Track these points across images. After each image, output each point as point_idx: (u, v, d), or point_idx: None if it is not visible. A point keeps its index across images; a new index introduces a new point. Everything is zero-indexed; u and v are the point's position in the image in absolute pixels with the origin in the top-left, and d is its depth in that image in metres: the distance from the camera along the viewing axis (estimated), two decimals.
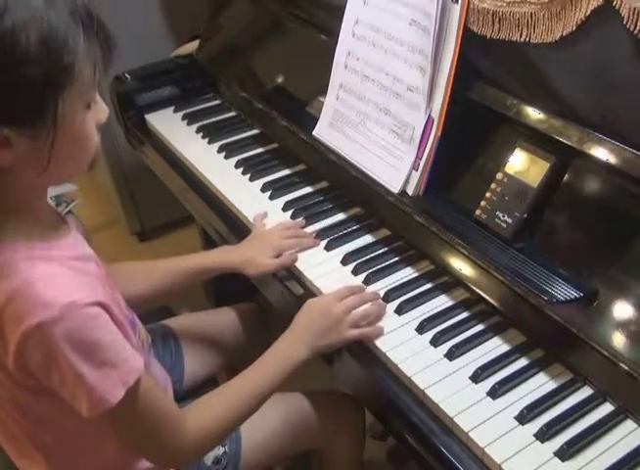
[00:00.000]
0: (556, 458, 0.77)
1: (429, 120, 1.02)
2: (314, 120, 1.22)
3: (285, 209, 1.22)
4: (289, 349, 0.92)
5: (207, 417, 0.83)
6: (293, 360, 0.91)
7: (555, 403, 0.83)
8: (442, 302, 0.99)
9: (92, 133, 0.72)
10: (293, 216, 1.20)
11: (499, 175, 0.95)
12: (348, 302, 0.96)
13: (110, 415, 0.72)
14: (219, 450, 0.99)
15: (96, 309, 0.70)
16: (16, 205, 0.72)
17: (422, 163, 1.03)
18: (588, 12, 0.82)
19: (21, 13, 0.61)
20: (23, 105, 0.64)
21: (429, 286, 1.02)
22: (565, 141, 0.88)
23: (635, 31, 0.78)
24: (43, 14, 0.62)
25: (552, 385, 0.86)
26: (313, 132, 1.22)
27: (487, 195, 0.96)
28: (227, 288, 1.64)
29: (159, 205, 2.06)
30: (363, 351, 0.94)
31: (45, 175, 0.69)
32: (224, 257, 1.11)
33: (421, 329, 0.94)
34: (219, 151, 1.40)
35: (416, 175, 1.04)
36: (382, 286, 1.02)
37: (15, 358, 0.70)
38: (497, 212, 0.94)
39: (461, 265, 0.97)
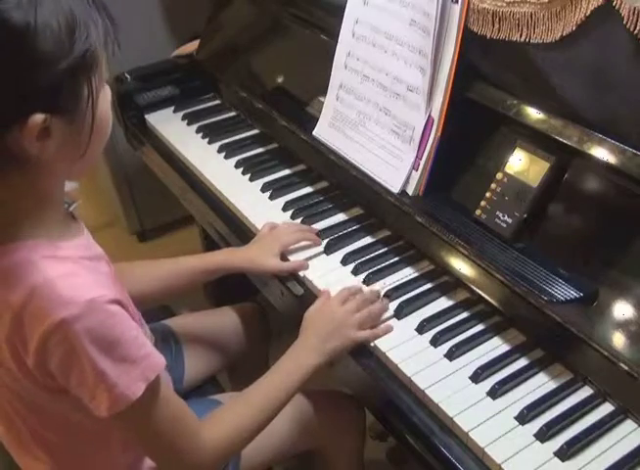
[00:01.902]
0: (556, 458, 0.77)
1: (429, 120, 1.02)
2: (314, 120, 1.22)
3: (285, 209, 1.22)
4: (300, 357, 0.92)
5: (225, 430, 0.83)
6: (305, 368, 0.91)
7: (555, 403, 0.83)
8: (442, 302, 0.99)
9: (110, 112, 0.74)
10: (293, 216, 1.20)
11: (499, 175, 0.95)
12: (351, 304, 0.96)
13: (128, 414, 0.72)
14: None
15: (115, 307, 0.71)
16: (41, 202, 0.72)
17: (422, 163, 1.03)
18: (588, 12, 0.82)
19: (47, 3, 0.63)
20: (64, 91, 0.65)
21: (429, 286, 1.02)
22: (565, 141, 0.88)
23: (635, 31, 0.78)
24: (63, 0, 0.64)
25: (552, 385, 0.86)
26: (313, 132, 1.22)
27: (487, 195, 0.96)
28: (227, 288, 1.64)
29: (159, 205, 2.06)
30: (363, 351, 0.94)
31: (77, 164, 0.71)
32: (229, 257, 1.11)
33: (421, 329, 0.94)
34: (219, 151, 1.40)
35: (416, 175, 1.04)
36: (382, 286, 1.02)
37: (35, 357, 0.70)
38: (497, 212, 0.94)
39: (461, 265, 0.97)
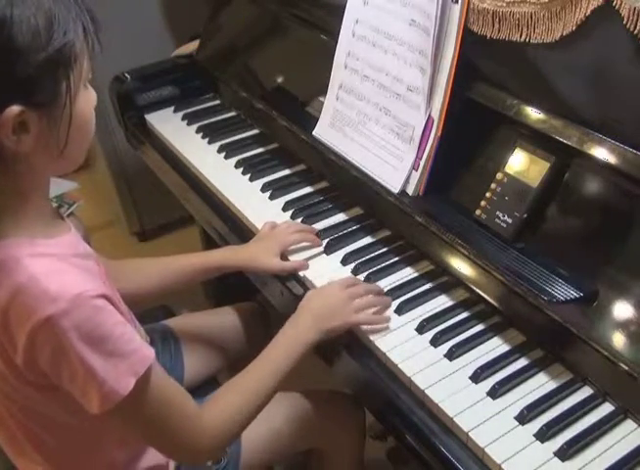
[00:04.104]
0: (556, 458, 0.77)
1: (429, 120, 1.02)
2: (314, 120, 1.22)
3: (285, 209, 1.22)
4: (296, 333, 0.92)
5: (225, 412, 0.82)
6: (301, 344, 0.90)
7: (555, 403, 0.83)
8: (442, 302, 0.99)
9: (92, 114, 0.75)
10: (293, 216, 1.20)
11: (499, 175, 0.95)
12: (353, 289, 0.97)
13: (121, 409, 0.71)
14: None
15: (102, 301, 0.71)
16: (22, 199, 0.72)
17: (422, 163, 1.03)
18: (588, 12, 0.82)
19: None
20: (41, 84, 0.66)
21: (429, 286, 1.02)
22: (565, 141, 0.88)
23: (635, 31, 0.78)
24: None
25: (552, 385, 0.86)
26: (313, 132, 1.22)
27: (487, 195, 0.96)
28: (227, 288, 1.64)
29: (159, 205, 2.06)
30: (363, 351, 0.94)
31: (56, 162, 0.72)
32: (229, 255, 1.11)
33: (421, 329, 0.94)
34: (219, 151, 1.40)
35: (416, 175, 1.04)
36: (382, 286, 1.02)
37: (25, 355, 0.70)
38: (497, 212, 0.94)
39: (461, 265, 0.97)
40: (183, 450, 0.81)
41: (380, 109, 1.10)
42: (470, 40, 0.96)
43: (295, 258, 1.10)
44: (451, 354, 0.90)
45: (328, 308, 0.94)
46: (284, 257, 1.10)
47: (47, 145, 0.70)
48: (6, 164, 0.69)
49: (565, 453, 0.77)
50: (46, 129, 0.68)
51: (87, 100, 0.74)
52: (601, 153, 0.85)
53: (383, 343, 0.93)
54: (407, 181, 1.06)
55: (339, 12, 1.15)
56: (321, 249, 1.11)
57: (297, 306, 0.96)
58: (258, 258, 1.08)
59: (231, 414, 0.83)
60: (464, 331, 0.94)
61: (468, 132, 1.00)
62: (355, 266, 1.06)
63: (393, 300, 0.99)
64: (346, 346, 0.95)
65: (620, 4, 0.78)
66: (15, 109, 0.64)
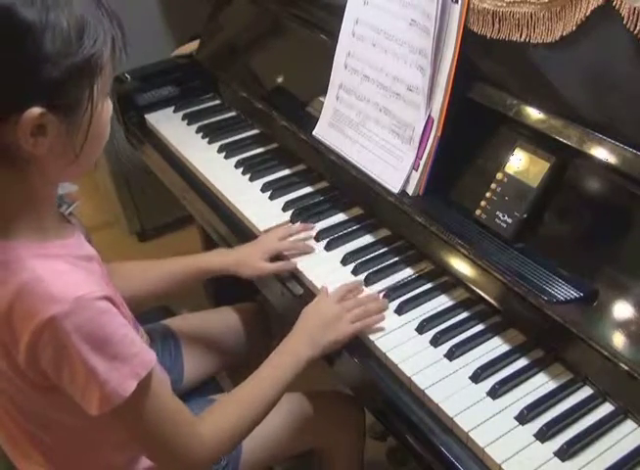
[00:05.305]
0: (556, 458, 0.77)
1: (429, 120, 1.02)
2: (314, 120, 1.22)
3: (285, 209, 1.22)
4: (294, 349, 0.92)
5: (221, 423, 0.83)
6: (299, 361, 0.91)
7: (555, 403, 0.83)
8: (442, 302, 0.99)
9: (109, 123, 0.75)
10: (293, 216, 1.20)
11: (499, 175, 0.95)
12: (348, 302, 0.97)
13: (121, 411, 0.72)
14: None
15: (105, 303, 0.71)
16: (31, 201, 0.73)
17: (422, 163, 1.03)
18: (588, 12, 0.82)
19: (61, 6, 0.65)
20: (65, 89, 0.66)
21: (429, 286, 1.02)
22: (565, 141, 0.88)
23: (635, 31, 0.78)
24: (75, 4, 0.66)
25: (552, 385, 0.86)
26: (313, 132, 1.22)
27: (487, 195, 0.96)
28: (227, 288, 1.64)
29: (159, 205, 2.06)
30: (363, 351, 0.94)
31: (69, 168, 0.72)
32: (218, 259, 1.12)
33: (421, 329, 0.94)
34: (219, 151, 1.40)
35: (416, 175, 1.04)
36: (382, 286, 1.02)
37: (27, 355, 0.70)
38: (497, 212, 0.94)
39: (461, 265, 0.97)
40: (178, 460, 0.80)
41: (380, 109, 1.10)
42: (470, 40, 0.96)
43: (294, 259, 1.10)
44: (451, 354, 0.90)
45: (323, 323, 0.94)
46: (283, 256, 1.10)
47: (62, 150, 0.70)
48: (19, 166, 0.69)
49: (565, 453, 0.77)
50: (64, 134, 0.68)
51: (106, 112, 0.74)
52: (601, 153, 0.85)
53: (383, 343, 0.93)
54: (407, 181, 1.06)
55: (339, 12, 1.15)
56: (321, 249, 1.11)
57: (295, 324, 0.96)
58: (246, 261, 1.08)
59: (227, 427, 0.83)
60: (464, 331, 0.94)
61: (468, 132, 1.00)
62: (355, 266, 1.06)
63: (394, 300, 0.99)
64: (346, 346, 0.95)
65: (620, 4, 0.78)
66: (36, 110, 0.64)
